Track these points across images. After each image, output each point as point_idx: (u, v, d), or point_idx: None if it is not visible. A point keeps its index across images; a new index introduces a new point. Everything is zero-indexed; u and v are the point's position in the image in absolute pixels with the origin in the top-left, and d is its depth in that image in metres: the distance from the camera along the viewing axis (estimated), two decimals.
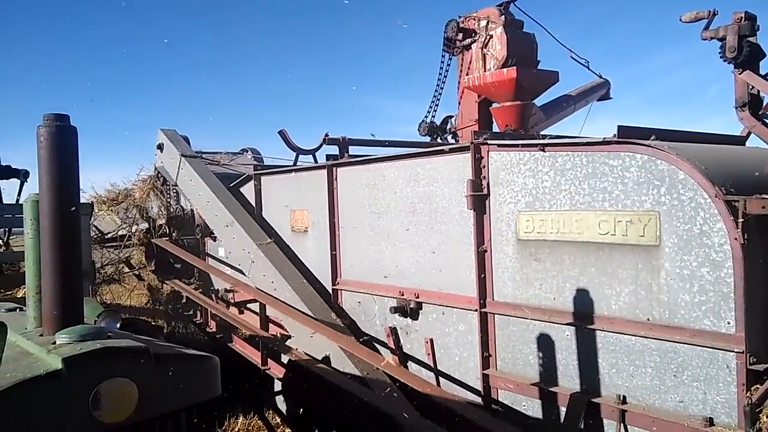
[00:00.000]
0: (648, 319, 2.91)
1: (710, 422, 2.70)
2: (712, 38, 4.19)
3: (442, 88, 7.95)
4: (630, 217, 2.94)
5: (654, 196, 2.85)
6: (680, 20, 4.23)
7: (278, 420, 5.44)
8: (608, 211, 3.03)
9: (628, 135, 3.03)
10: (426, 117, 8.14)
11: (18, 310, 3.36)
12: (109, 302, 7.47)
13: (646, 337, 2.92)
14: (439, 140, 8.02)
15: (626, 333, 2.99)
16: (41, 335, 2.35)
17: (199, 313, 7.06)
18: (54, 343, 2.19)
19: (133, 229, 7.63)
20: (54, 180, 2.37)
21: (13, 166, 7.44)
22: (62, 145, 2.39)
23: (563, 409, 3.25)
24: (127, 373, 2.07)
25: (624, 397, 3.01)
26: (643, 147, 2.89)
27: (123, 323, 3.19)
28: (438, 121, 8.18)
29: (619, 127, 3.10)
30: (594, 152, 3.09)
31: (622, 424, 2.99)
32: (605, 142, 3.07)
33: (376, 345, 4.59)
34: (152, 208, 7.79)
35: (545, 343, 3.36)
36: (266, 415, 5.51)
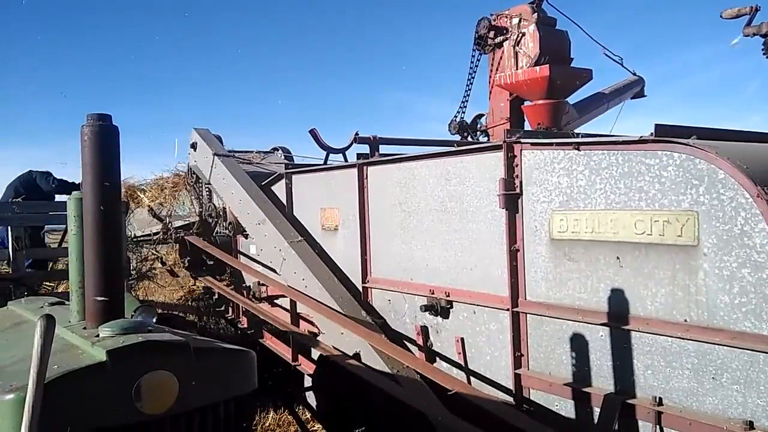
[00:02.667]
0: (685, 321, 2.86)
1: (750, 426, 2.64)
2: (754, 35, 4.08)
3: (472, 86, 7.93)
4: (667, 217, 2.90)
5: (692, 195, 2.80)
6: (721, 17, 4.13)
7: (308, 415, 5.50)
8: (644, 210, 2.98)
9: (666, 133, 2.97)
10: (456, 115, 8.13)
11: (59, 304, 3.46)
12: (142, 298, 7.65)
13: (683, 339, 2.87)
14: (469, 139, 8.00)
15: (662, 334, 2.95)
16: (85, 328, 2.43)
17: (230, 309, 7.17)
18: (97, 336, 2.25)
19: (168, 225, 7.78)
20: (97, 178, 2.44)
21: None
22: (105, 144, 2.46)
23: (597, 410, 3.21)
24: (168, 365, 2.12)
25: (660, 398, 2.97)
26: (681, 145, 2.84)
27: (158, 318, 3.27)
28: (468, 120, 8.16)
29: (656, 125, 3.05)
30: (630, 151, 3.04)
31: (657, 426, 2.94)
32: (642, 141, 3.02)
33: (406, 343, 4.60)
34: (184, 205, 7.94)
35: (579, 344, 3.33)
36: (297, 410, 5.57)
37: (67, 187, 8.21)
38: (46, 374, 1.80)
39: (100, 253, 2.40)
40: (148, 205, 7.86)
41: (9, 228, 6.01)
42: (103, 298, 2.39)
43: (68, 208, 2.77)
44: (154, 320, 3.12)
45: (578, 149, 3.26)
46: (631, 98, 8.83)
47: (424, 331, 4.40)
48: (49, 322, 1.83)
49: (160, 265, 8.13)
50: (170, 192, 7.80)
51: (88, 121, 2.45)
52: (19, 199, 7.23)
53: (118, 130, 2.53)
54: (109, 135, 2.47)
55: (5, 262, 6.29)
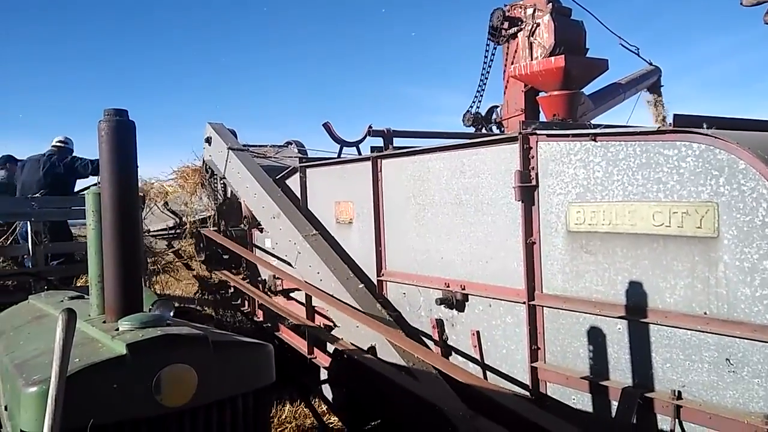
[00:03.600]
0: (705, 313, 2.82)
1: None
2: None
3: (486, 78, 7.88)
4: (686, 208, 2.86)
5: (712, 186, 2.76)
6: (741, 4, 4.05)
7: (324, 408, 5.53)
8: (663, 202, 2.95)
9: (685, 123, 2.93)
10: (470, 107, 8.08)
11: (79, 298, 3.51)
12: (159, 292, 7.73)
13: (702, 332, 2.84)
14: (483, 131, 7.96)
15: (681, 327, 2.92)
16: (104, 322, 2.46)
17: (246, 302, 7.21)
18: (117, 329, 2.28)
19: (185, 220, 7.85)
20: (114, 173, 2.45)
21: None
22: (122, 138, 2.48)
23: (615, 404, 3.19)
24: (187, 359, 2.14)
25: (679, 392, 2.94)
26: (701, 136, 2.79)
27: (175, 312, 3.29)
28: (483, 112, 8.11)
29: (675, 115, 3.01)
30: (648, 141, 3.00)
31: (677, 420, 2.92)
32: (660, 131, 2.99)
33: (422, 336, 4.60)
34: (202, 199, 7.99)
35: (596, 337, 3.30)
36: (313, 403, 5.61)
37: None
38: (68, 367, 1.82)
39: (118, 248, 2.42)
40: (165, 202, 7.91)
41: (29, 223, 6.10)
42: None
43: (86, 203, 2.81)
44: (172, 314, 3.15)
45: (595, 140, 3.23)
46: (647, 89, 8.73)
47: (440, 324, 4.40)
48: (71, 315, 1.85)
49: (176, 259, 8.21)
50: (195, 181, 7.82)
51: (105, 116, 2.47)
52: (39, 193, 7.31)
53: (135, 125, 2.55)
54: (126, 130, 2.49)
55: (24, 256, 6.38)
